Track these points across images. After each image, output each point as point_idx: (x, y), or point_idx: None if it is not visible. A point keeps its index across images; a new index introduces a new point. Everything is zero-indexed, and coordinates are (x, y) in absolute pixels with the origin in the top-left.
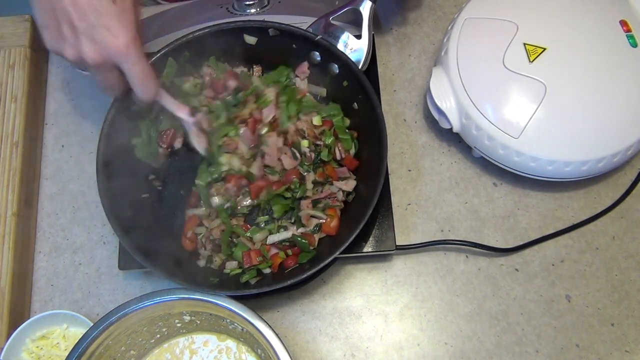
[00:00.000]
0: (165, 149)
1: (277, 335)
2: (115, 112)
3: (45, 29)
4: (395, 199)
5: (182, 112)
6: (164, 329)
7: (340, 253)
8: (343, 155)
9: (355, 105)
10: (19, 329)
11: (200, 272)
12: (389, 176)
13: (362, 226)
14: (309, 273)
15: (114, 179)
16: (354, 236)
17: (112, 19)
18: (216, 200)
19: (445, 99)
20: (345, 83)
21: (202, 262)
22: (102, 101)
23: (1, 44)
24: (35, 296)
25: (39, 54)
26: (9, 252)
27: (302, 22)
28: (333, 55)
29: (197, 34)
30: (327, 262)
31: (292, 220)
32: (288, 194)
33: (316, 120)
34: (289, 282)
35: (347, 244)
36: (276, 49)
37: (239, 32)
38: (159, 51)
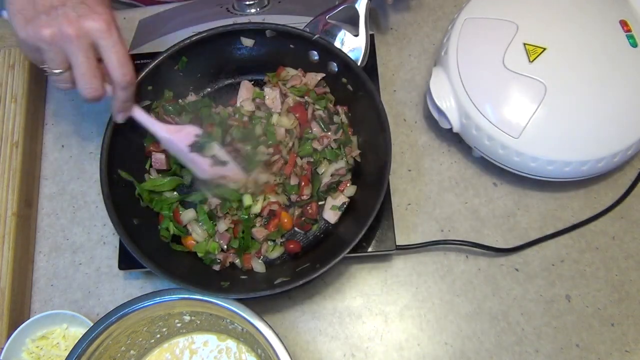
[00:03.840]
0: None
1: (277, 335)
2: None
3: (18, 14)
4: (395, 199)
5: (162, 131)
6: (164, 329)
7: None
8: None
9: (355, 103)
10: (19, 329)
11: (210, 275)
12: (389, 176)
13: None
14: (319, 272)
15: (116, 178)
16: (361, 234)
17: (94, 1)
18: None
19: (445, 99)
20: (344, 80)
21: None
22: (102, 101)
23: (1, 44)
24: (35, 296)
25: None
26: (9, 252)
27: (303, 22)
28: (331, 53)
29: (194, 38)
30: (337, 260)
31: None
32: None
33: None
34: (300, 282)
35: (353, 243)
36: (275, 50)
37: (236, 35)
38: (155, 58)
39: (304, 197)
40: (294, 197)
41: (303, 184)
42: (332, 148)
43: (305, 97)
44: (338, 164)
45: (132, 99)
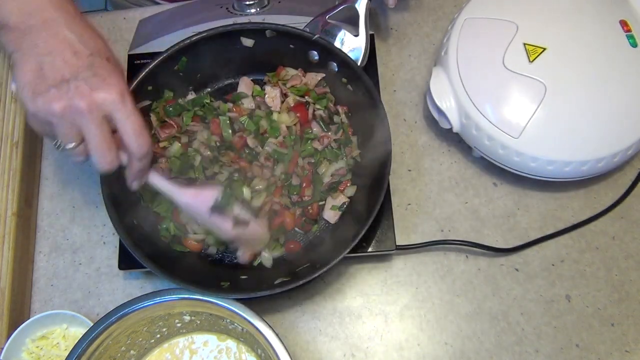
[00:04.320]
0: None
1: (277, 335)
2: None
3: (28, 87)
4: (395, 199)
5: (182, 196)
6: (164, 329)
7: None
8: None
9: (355, 102)
10: (19, 329)
11: (210, 275)
12: (389, 176)
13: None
14: (319, 272)
15: (116, 179)
16: (361, 235)
17: (107, 72)
18: None
19: (445, 99)
20: (344, 80)
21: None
22: None
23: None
24: (35, 296)
25: None
26: (9, 252)
27: (303, 22)
28: (331, 53)
29: (194, 39)
30: (337, 260)
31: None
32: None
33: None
34: (300, 282)
35: (354, 243)
36: (274, 50)
37: (236, 35)
38: (155, 58)
39: (305, 198)
40: (295, 198)
41: (304, 184)
42: (332, 148)
43: (306, 97)
44: (338, 164)
45: (148, 167)
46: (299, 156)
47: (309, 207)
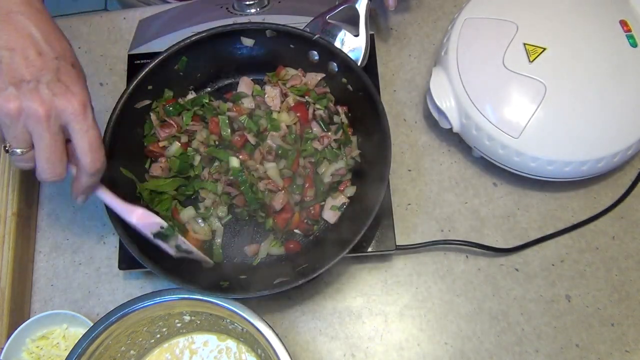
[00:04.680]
0: None
1: (277, 335)
2: (119, 112)
3: None
4: (395, 199)
5: (128, 215)
6: (164, 329)
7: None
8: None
9: (355, 102)
10: (19, 329)
11: (209, 275)
12: (389, 176)
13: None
14: (318, 272)
15: (116, 177)
16: (360, 235)
17: (71, 79)
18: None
19: (445, 99)
20: (344, 80)
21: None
22: (102, 101)
23: None
24: (35, 296)
25: None
26: (9, 252)
27: (303, 22)
28: (331, 53)
29: (194, 38)
30: (336, 260)
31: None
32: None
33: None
34: (300, 282)
35: (353, 243)
36: (274, 50)
37: (236, 35)
38: (155, 58)
39: (307, 199)
40: (297, 197)
41: (307, 185)
42: (332, 148)
43: (306, 97)
44: (338, 164)
45: (97, 183)
46: (300, 155)
47: (311, 208)
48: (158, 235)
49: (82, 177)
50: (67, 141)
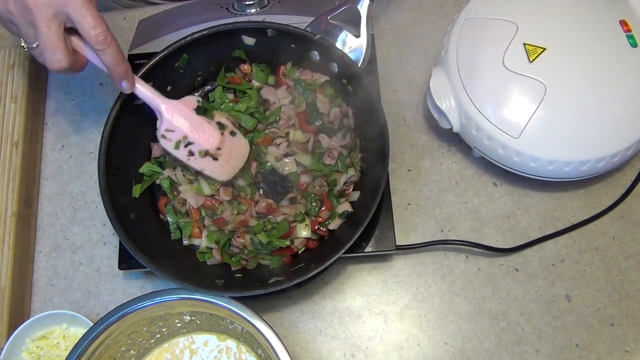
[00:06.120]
0: None
1: (277, 335)
2: (117, 110)
3: None
4: (395, 199)
5: (166, 100)
6: (164, 329)
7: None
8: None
9: (355, 103)
10: (19, 329)
11: (204, 273)
12: (389, 176)
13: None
14: (313, 272)
15: (115, 178)
16: (358, 234)
17: None
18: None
19: (445, 99)
20: (344, 81)
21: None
22: (102, 101)
23: (1, 44)
24: (35, 296)
25: None
26: (9, 252)
27: (303, 22)
28: (332, 54)
29: (195, 36)
30: (331, 261)
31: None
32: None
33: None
34: (294, 282)
35: (351, 242)
36: (275, 49)
37: (238, 33)
38: (156, 55)
39: (320, 219)
40: (312, 220)
41: (324, 208)
42: (343, 156)
43: (317, 94)
44: (349, 172)
45: (119, 61)
46: (313, 174)
47: (322, 227)
48: (200, 110)
49: (101, 57)
50: (75, 32)
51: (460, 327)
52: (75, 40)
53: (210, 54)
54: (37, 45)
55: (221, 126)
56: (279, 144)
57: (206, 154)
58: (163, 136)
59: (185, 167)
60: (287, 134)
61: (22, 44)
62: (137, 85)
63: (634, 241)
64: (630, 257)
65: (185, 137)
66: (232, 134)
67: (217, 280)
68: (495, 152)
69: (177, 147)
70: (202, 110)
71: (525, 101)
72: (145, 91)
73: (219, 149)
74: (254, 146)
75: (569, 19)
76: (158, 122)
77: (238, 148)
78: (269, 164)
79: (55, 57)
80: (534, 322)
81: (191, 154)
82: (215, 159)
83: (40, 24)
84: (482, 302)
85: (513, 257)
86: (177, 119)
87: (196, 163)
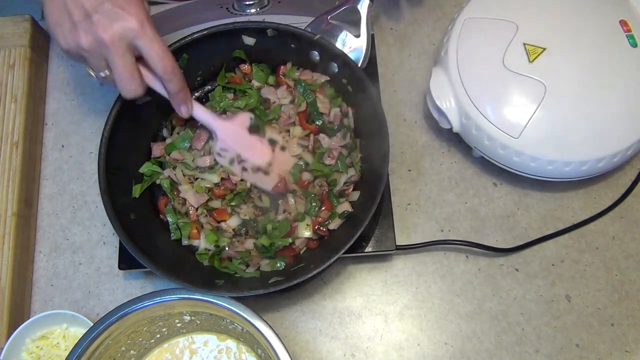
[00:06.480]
0: None
1: (277, 335)
2: (118, 110)
3: (57, 26)
4: (395, 199)
5: (221, 120)
6: (164, 329)
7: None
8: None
9: (355, 103)
10: (19, 329)
11: (205, 273)
12: (389, 176)
13: (362, 228)
14: (313, 272)
15: (115, 178)
16: (358, 234)
17: (125, 1)
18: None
19: (445, 99)
20: (344, 81)
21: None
22: (102, 101)
23: (1, 44)
24: (35, 296)
25: (39, 54)
26: (9, 252)
27: (303, 22)
28: (332, 54)
29: (195, 36)
30: (331, 261)
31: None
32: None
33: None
34: (294, 282)
35: (351, 242)
36: (275, 49)
37: (238, 34)
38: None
39: (320, 220)
40: (313, 220)
41: (324, 208)
42: (343, 156)
43: (317, 94)
44: (349, 172)
45: (182, 89)
46: (313, 174)
47: (322, 227)
48: (252, 128)
49: (165, 85)
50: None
51: (460, 327)
52: (139, 66)
53: (210, 54)
54: (108, 74)
55: (272, 141)
56: None
57: (258, 169)
58: (218, 154)
59: (187, 166)
60: (288, 131)
61: (91, 72)
62: (195, 108)
63: (634, 241)
64: (630, 257)
65: (238, 156)
66: (282, 149)
67: (217, 280)
68: (495, 152)
69: (231, 163)
70: (255, 126)
71: (525, 101)
72: (201, 114)
73: (269, 164)
74: None
75: (569, 19)
76: (213, 141)
77: (287, 162)
78: None
79: (131, 86)
80: (534, 322)
81: (244, 169)
82: (266, 173)
83: (116, 57)
84: (482, 302)
85: (513, 257)
86: (230, 140)
87: (249, 177)
